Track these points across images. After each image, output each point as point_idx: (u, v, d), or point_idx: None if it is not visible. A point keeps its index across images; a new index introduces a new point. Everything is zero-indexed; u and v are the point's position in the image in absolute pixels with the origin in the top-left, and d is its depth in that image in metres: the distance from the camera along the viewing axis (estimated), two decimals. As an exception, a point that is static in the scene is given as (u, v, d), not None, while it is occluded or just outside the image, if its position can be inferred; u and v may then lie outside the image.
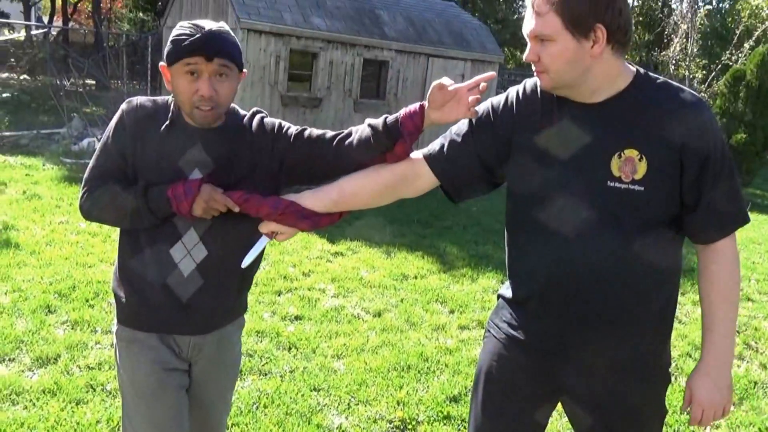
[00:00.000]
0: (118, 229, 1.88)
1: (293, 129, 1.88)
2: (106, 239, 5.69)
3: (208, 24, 1.70)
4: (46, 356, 3.52)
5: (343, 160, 1.81)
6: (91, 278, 4.73)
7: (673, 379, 1.89)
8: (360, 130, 1.81)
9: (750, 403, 3.69)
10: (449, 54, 11.38)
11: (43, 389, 3.19)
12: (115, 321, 1.91)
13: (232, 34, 1.76)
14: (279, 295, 4.86)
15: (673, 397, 3.47)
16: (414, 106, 1.76)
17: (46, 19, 31.77)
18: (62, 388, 3.21)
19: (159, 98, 1.84)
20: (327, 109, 10.37)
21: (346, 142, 1.81)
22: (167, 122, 1.77)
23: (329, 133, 1.85)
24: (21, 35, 21.46)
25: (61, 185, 7.76)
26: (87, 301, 4.34)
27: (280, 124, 1.89)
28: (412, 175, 1.82)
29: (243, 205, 1.75)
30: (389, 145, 1.76)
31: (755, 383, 3.97)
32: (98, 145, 1.82)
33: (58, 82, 12.91)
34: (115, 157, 1.77)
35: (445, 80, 1.69)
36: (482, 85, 1.72)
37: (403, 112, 1.76)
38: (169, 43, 1.71)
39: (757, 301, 5.74)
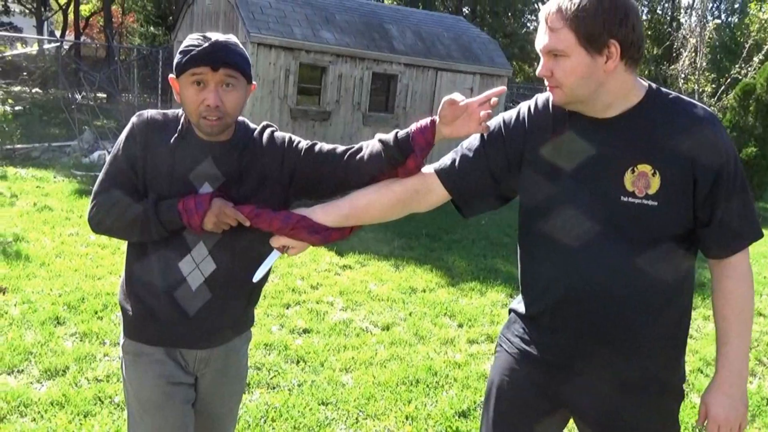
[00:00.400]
0: (126, 242, 1.88)
1: (304, 143, 1.88)
2: (116, 251, 5.71)
3: (216, 35, 1.71)
4: (54, 368, 3.53)
5: (353, 174, 1.81)
6: (100, 290, 4.75)
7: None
8: (371, 145, 1.81)
9: (762, 420, 3.65)
10: (458, 68, 11.42)
11: (52, 401, 3.19)
12: (122, 334, 1.91)
13: (241, 45, 1.76)
14: (287, 308, 4.85)
15: (684, 413, 3.43)
16: (425, 121, 1.76)
17: (58, 34, 32.12)
18: (70, 400, 3.21)
19: (170, 111, 1.85)
20: (336, 122, 10.41)
21: (357, 156, 1.81)
22: (177, 135, 1.78)
23: (340, 148, 1.85)
24: (33, 49, 21.69)
25: (72, 197, 7.81)
26: (96, 313, 4.35)
27: (290, 138, 1.89)
28: (424, 190, 1.81)
29: (254, 219, 1.76)
30: (400, 159, 1.76)
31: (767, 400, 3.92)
32: (108, 158, 1.82)
33: (70, 96, 13.05)
34: (126, 169, 1.77)
35: (456, 96, 1.69)
36: (493, 100, 1.71)
37: (414, 126, 1.76)
38: (177, 55, 1.73)
39: (769, 316, 5.68)
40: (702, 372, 4.26)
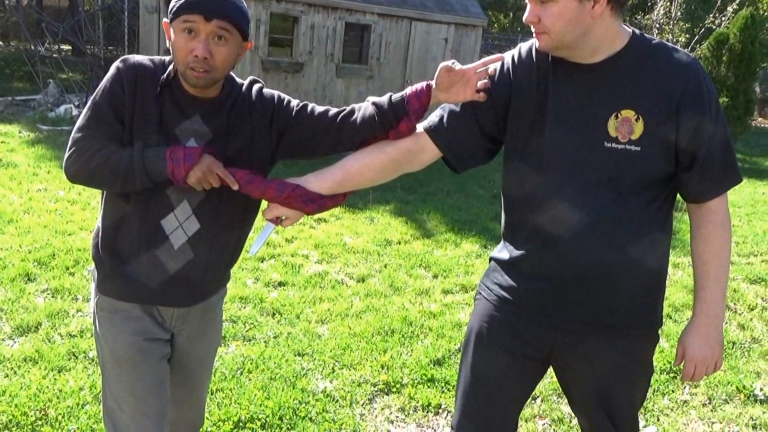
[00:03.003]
0: (97, 197, 1.82)
1: (294, 103, 1.84)
2: (86, 207, 5.60)
3: None
4: (26, 324, 3.50)
5: (345, 137, 1.79)
6: (71, 246, 4.68)
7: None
8: (363, 108, 1.78)
9: (728, 362, 3.77)
10: (432, 18, 11.24)
11: (25, 357, 3.17)
12: (94, 290, 1.86)
13: None
14: (262, 262, 4.84)
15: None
16: (420, 85, 1.74)
17: (18, -17, 30.83)
18: (44, 356, 3.19)
19: (156, 58, 1.76)
20: (309, 74, 10.24)
21: (350, 119, 1.78)
22: (164, 84, 1.70)
23: (332, 110, 1.82)
24: (-7, -1, 20.86)
25: (38, 153, 7.62)
26: (67, 269, 4.30)
27: (279, 96, 1.84)
28: (416, 149, 1.80)
29: (246, 185, 1.71)
30: (394, 123, 1.75)
31: (733, 343, 4.04)
32: (88, 103, 1.72)
33: (33, 48, 12.59)
34: (109, 116, 1.67)
35: (453, 63, 1.67)
36: (490, 68, 1.70)
37: (409, 90, 1.74)
38: None
39: (736, 263, 5.82)
40: (671, 318, 4.36)
